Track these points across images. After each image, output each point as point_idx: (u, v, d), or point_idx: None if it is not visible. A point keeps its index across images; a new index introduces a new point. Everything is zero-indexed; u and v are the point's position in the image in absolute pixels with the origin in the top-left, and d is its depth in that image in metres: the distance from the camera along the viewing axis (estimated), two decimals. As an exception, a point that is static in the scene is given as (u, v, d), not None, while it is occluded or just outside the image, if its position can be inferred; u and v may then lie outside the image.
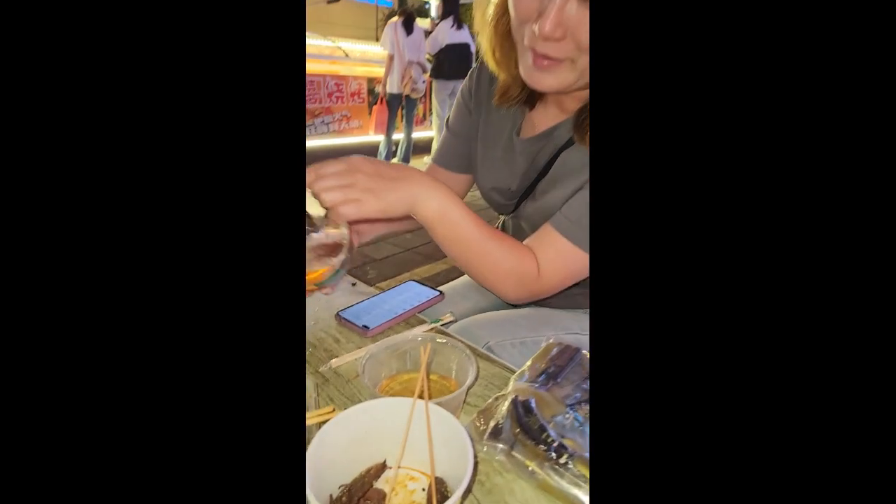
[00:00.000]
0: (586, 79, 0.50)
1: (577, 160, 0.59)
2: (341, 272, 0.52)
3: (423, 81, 4.05)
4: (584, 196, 0.56)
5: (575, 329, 0.70)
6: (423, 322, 0.65)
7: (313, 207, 0.46)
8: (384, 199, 0.47)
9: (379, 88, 4.06)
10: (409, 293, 0.71)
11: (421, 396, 0.39)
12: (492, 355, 0.62)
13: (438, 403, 0.40)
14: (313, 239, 0.48)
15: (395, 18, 3.79)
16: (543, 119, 0.67)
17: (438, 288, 0.73)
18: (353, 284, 0.77)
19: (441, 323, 0.64)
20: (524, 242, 0.59)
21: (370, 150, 4.37)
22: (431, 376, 0.50)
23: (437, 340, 0.50)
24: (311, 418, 0.41)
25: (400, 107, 4.17)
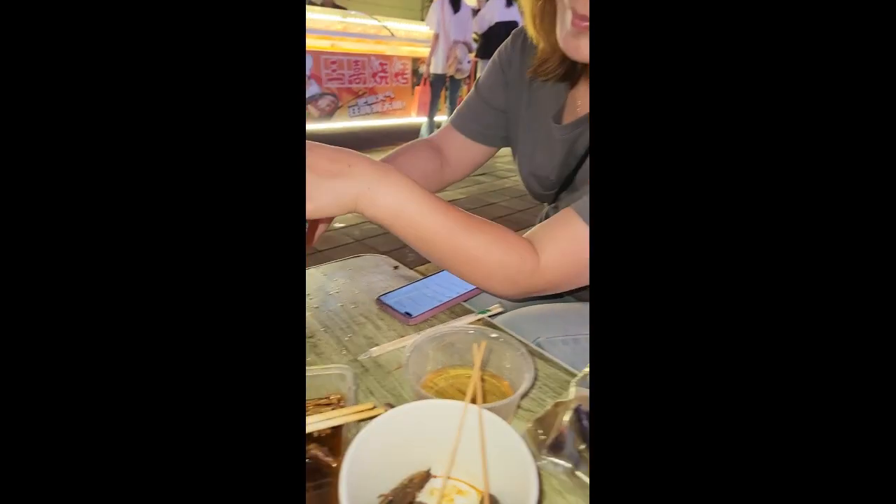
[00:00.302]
0: None
1: None
2: None
3: (469, 62, 3.94)
4: None
5: None
6: (469, 311, 0.60)
7: None
8: (316, 201, 0.37)
9: (423, 69, 3.98)
10: (455, 279, 0.66)
11: (474, 400, 0.34)
12: (543, 352, 0.56)
13: (490, 409, 0.34)
14: None
15: None
16: (585, 102, 0.60)
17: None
18: (396, 268, 0.73)
19: (489, 314, 0.59)
20: (535, 229, 0.50)
21: (412, 132, 4.33)
22: (483, 375, 0.45)
23: (490, 336, 0.45)
24: (349, 414, 0.37)
25: (444, 88, 4.08)
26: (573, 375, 0.48)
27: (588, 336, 0.59)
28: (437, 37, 3.76)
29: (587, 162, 0.57)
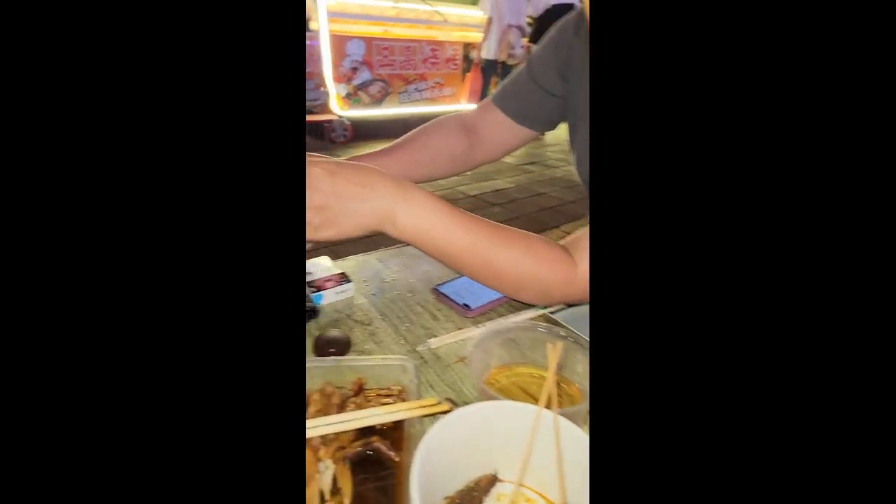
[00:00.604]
0: None
1: None
2: None
3: (522, 47, 3.83)
4: None
5: None
6: (530, 306, 0.57)
7: None
8: (340, 226, 0.37)
9: (474, 54, 3.91)
10: (513, 272, 0.63)
11: (548, 405, 0.32)
12: None
13: (569, 413, 0.32)
14: None
15: None
16: None
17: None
18: (451, 257, 0.71)
19: (550, 311, 0.56)
20: (574, 234, 0.47)
21: (460, 119, 4.27)
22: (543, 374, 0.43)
23: (559, 335, 0.42)
24: (413, 409, 0.36)
25: (495, 74, 4.00)
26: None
27: None
28: (490, 21, 3.67)
29: None
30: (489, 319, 0.54)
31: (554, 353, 0.35)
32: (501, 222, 0.44)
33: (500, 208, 2.76)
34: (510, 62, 3.85)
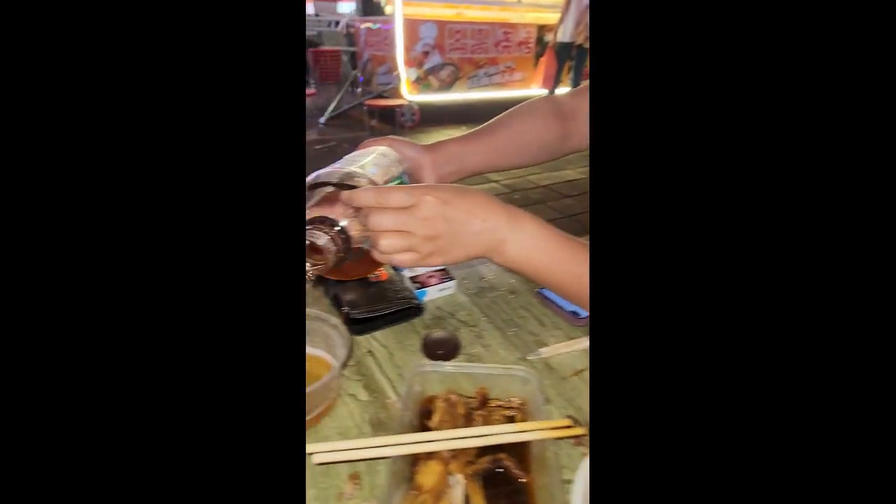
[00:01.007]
0: None
1: None
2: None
3: None
4: None
5: None
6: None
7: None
8: (448, 255, 0.37)
9: (549, 37, 3.74)
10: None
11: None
12: None
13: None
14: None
15: None
16: None
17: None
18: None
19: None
20: None
21: (530, 105, 4.15)
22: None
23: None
24: (545, 429, 0.34)
25: (569, 58, 3.81)
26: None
27: None
28: (568, 1, 3.49)
29: None
30: (600, 330, 0.51)
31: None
32: (572, 215, 0.41)
33: (572, 200, 2.66)
34: (586, 45, 3.65)
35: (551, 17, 4.11)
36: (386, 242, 0.36)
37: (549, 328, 0.52)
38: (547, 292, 0.56)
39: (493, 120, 0.59)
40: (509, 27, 4.28)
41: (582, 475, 0.28)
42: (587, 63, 3.86)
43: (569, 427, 0.34)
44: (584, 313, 0.52)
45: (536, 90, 4.03)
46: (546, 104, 0.64)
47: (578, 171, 3.18)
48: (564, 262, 0.39)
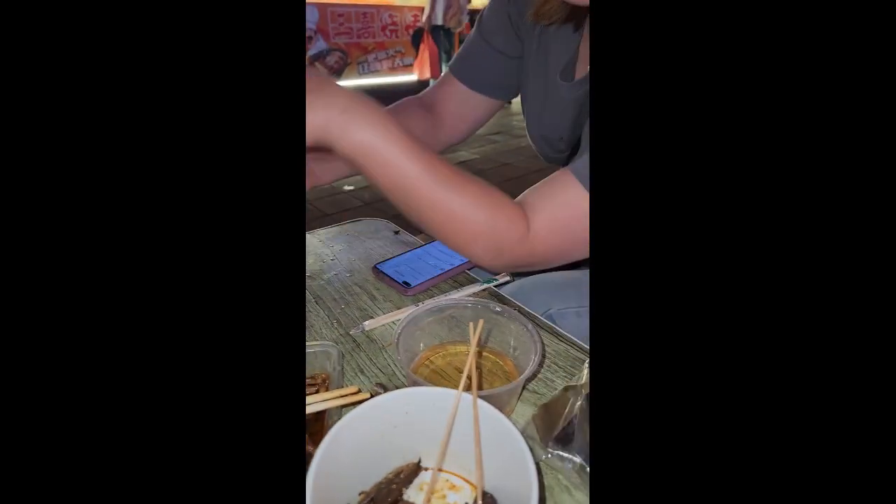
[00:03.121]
0: None
1: None
2: None
3: (467, 13, 3.70)
4: None
5: None
6: (473, 281, 0.55)
7: None
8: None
9: (422, 21, 3.74)
10: (459, 245, 0.61)
11: (469, 387, 0.30)
12: (554, 326, 0.52)
13: (490, 396, 0.30)
14: None
15: None
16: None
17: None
18: (396, 233, 0.68)
19: (495, 284, 0.54)
20: (526, 192, 0.44)
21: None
22: (484, 353, 0.41)
23: (493, 310, 0.40)
24: (330, 399, 0.33)
25: (445, 41, 3.85)
26: (588, 353, 0.43)
27: None
28: None
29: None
30: (431, 297, 0.52)
31: (474, 332, 0.33)
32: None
33: (466, 180, 2.72)
34: (455, 28, 3.70)
35: (436, 1, 4.12)
36: None
37: (380, 301, 0.52)
38: (382, 266, 0.56)
39: None
40: (395, 10, 4.22)
41: (327, 441, 0.28)
42: (454, 45, 3.90)
43: (356, 393, 0.34)
44: (415, 282, 0.53)
45: (427, 76, 4.03)
46: (411, 101, 0.65)
47: (472, 153, 3.26)
48: (412, 159, 0.36)
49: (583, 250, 0.43)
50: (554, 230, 0.41)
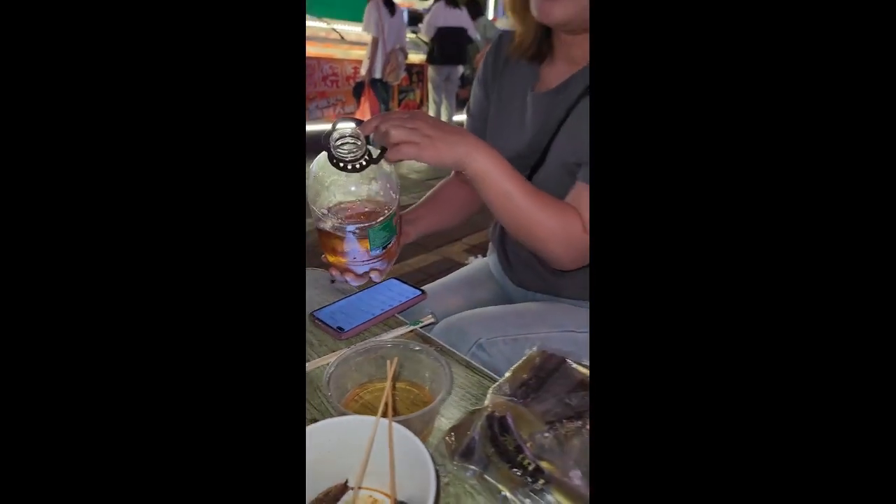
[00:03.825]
0: (586, 16, 0.57)
1: None
2: (378, 263, 0.55)
3: (404, 68, 3.98)
4: None
5: (569, 326, 0.68)
6: (402, 324, 0.62)
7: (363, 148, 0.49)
8: (439, 149, 0.50)
9: (361, 74, 3.93)
10: (390, 292, 0.68)
11: (385, 414, 0.36)
12: (483, 353, 0.60)
13: (407, 420, 0.37)
14: (351, 208, 0.52)
15: None
16: (556, 75, 0.68)
17: (422, 287, 0.70)
18: (332, 281, 0.74)
19: (421, 325, 0.61)
20: (569, 200, 0.60)
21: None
22: (403, 384, 0.47)
23: (411, 348, 0.47)
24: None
25: (384, 93, 4.07)
26: (494, 380, 0.51)
27: (526, 335, 0.64)
28: (376, 41, 3.74)
29: (562, 129, 0.65)
30: (363, 340, 0.58)
31: (390, 368, 0.40)
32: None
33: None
34: (392, 81, 3.96)
35: (375, 55, 4.34)
36: (396, 132, 0.49)
37: (316, 346, 0.57)
38: (318, 313, 0.62)
39: (427, 198, 0.80)
40: (335, 62, 4.39)
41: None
42: (392, 96, 4.15)
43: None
44: (348, 327, 0.58)
45: (368, 122, 4.19)
46: (453, 176, 0.82)
47: (411, 197, 3.38)
48: (513, 182, 0.54)
49: None
50: None
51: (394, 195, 0.53)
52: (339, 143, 0.48)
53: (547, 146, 0.66)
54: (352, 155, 0.48)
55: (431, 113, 4.40)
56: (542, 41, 0.68)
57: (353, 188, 0.52)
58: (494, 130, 0.75)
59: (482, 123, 0.78)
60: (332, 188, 0.51)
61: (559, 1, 0.57)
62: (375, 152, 0.50)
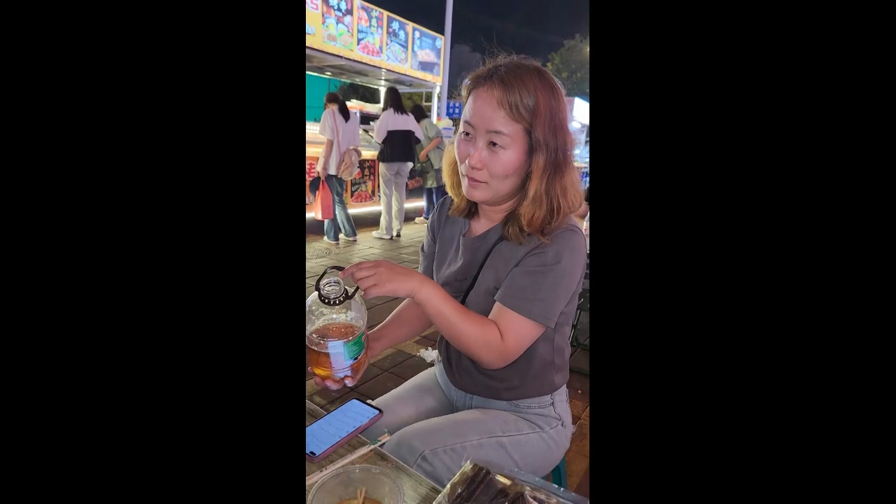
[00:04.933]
0: (499, 194, 0.83)
1: (507, 251, 0.85)
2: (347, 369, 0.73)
3: (357, 165, 4.44)
4: (516, 275, 0.82)
5: (497, 432, 0.85)
6: (363, 443, 0.75)
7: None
8: (394, 284, 0.73)
9: (316, 171, 4.28)
10: (352, 412, 0.82)
11: (357, 531, 0.50)
12: (426, 464, 0.75)
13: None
14: (333, 321, 0.71)
15: (333, 106, 4.10)
16: (480, 227, 0.96)
17: (377, 401, 0.85)
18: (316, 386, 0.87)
19: (379, 444, 0.75)
20: (493, 317, 0.81)
21: (320, 228, 4.49)
22: (369, 501, 0.61)
23: (373, 471, 0.61)
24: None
25: (338, 188, 4.41)
26: (437, 491, 0.65)
27: (462, 444, 0.80)
28: (330, 143, 4.14)
29: (485, 264, 0.88)
30: (332, 462, 0.71)
31: (360, 495, 0.54)
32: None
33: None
34: (346, 178, 4.38)
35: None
36: (362, 275, 0.71)
37: (293, 471, 0.69)
38: (293, 440, 0.74)
39: (392, 313, 1.02)
40: (290, 160, 4.66)
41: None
42: (365, 187, 4.48)
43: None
44: (319, 451, 0.72)
45: (321, 218, 4.43)
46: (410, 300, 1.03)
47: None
48: (451, 308, 0.76)
49: (530, 341, 0.83)
50: (512, 335, 0.80)
51: (362, 321, 0.73)
52: (325, 285, 0.69)
53: (475, 276, 0.90)
54: (334, 294, 0.68)
55: (382, 203, 4.75)
56: (472, 206, 0.97)
57: (334, 316, 0.73)
58: (439, 263, 1.01)
59: (431, 259, 1.04)
60: (320, 318, 0.72)
61: (479, 189, 0.83)
62: (351, 290, 0.71)
